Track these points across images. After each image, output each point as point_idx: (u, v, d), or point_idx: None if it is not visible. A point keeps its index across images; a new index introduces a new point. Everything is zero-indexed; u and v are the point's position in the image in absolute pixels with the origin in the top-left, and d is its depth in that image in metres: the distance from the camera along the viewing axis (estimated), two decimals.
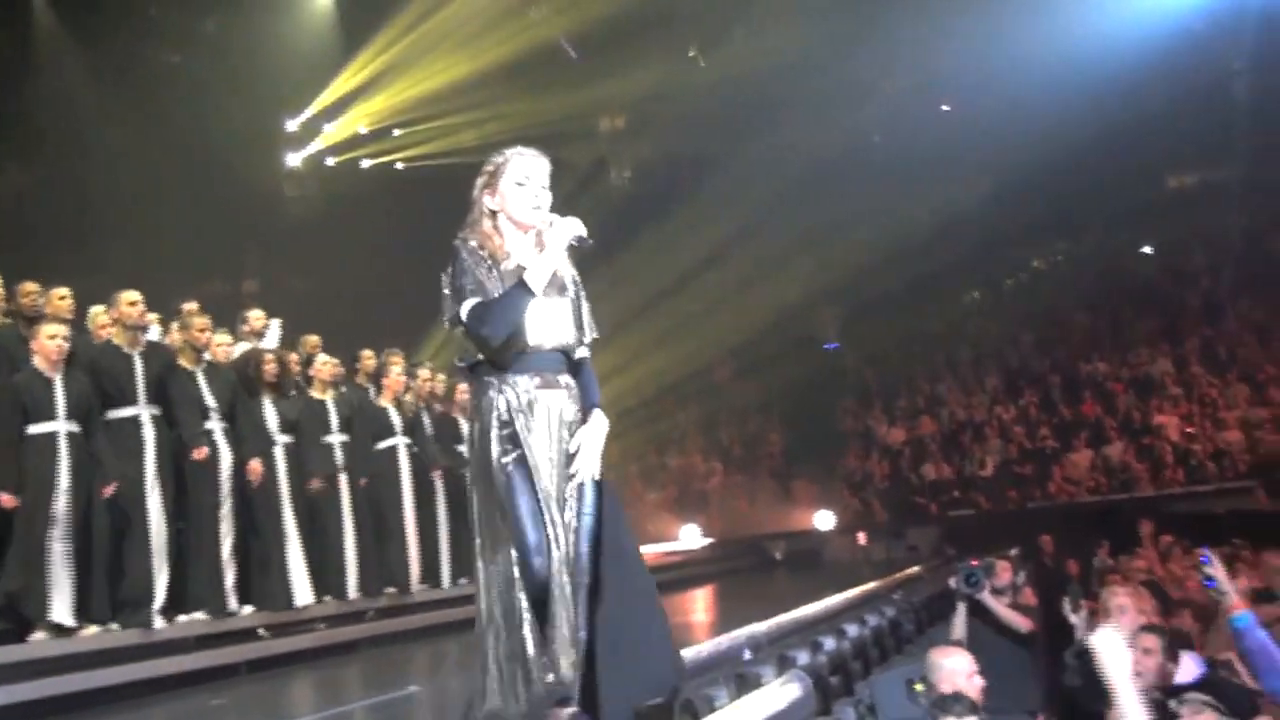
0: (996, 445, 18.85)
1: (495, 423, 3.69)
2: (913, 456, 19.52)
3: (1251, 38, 18.70)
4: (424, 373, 10.37)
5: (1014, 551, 8.85)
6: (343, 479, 8.87)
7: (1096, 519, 14.15)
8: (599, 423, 3.78)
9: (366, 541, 8.91)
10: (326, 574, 8.52)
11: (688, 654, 5.13)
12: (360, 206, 18.00)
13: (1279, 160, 19.32)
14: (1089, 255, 22.85)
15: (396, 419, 9.55)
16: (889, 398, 21.28)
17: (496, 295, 3.68)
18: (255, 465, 7.90)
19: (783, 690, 4.42)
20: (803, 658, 6.13)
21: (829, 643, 6.58)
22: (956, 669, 4.81)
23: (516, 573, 3.63)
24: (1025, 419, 19.28)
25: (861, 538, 16.49)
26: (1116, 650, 3.19)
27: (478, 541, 3.72)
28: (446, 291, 3.75)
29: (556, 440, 3.74)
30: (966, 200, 19.86)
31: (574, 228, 3.75)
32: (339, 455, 8.88)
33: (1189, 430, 17.29)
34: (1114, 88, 17.54)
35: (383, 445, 9.43)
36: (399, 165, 18.49)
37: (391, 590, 9.13)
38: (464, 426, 10.32)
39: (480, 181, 3.86)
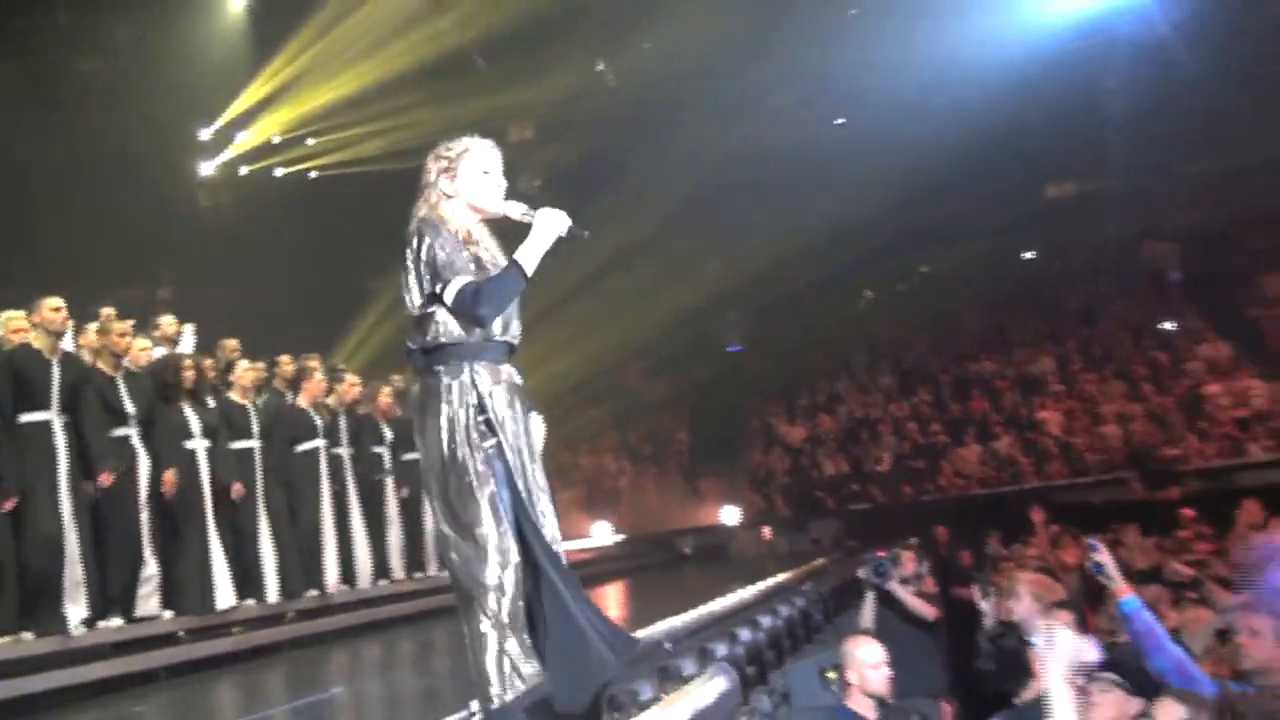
0: (891, 441, 19.08)
1: (472, 409, 3.55)
2: (813, 453, 19.67)
3: (1123, 59, 19.25)
4: (351, 377, 10.16)
5: (914, 541, 8.90)
6: (259, 483, 8.62)
7: (987, 510, 14.33)
8: (540, 425, 3.71)
9: (285, 544, 8.65)
10: (248, 577, 8.25)
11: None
12: (274, 214, 17.55)
13: (1149, 173, 19.95)
14: (976, 260, 23.15)
15: (318, 422, 9.32)
16: (790, 397, 21.42)
17: (473, 277, 3.54)
18: (170, 477, 7.62)
19: (711, 684, 4.34)
20: (721, 649, 6.06)
21: (745, 634, 6.53)
22: (865, 659, 4.86)
23: (501, 564, 3.47)
24: (918, 416, 19.55)
25: (767, 532, 16.52)
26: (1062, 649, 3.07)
27: (449, 531, 3.52)
28: (418, 269, 3.58)
29: (524, 432, 3.63)
30: (861, 208, 20.00)
31: (564, 220, 3.63)
32: (259, 460, 8.63)
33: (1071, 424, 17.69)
34: (997, 105, 17.84)
35: (304, 448, 9.19)
36: (312, 174, 17.99)
37: (313, 593, 8.87)
38: (385, 430, 10.15)
39: (437, 166, 3.75)
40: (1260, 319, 18.66)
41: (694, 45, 18.11)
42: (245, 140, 17.48)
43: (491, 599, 3.44)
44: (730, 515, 17.47)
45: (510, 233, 3.80)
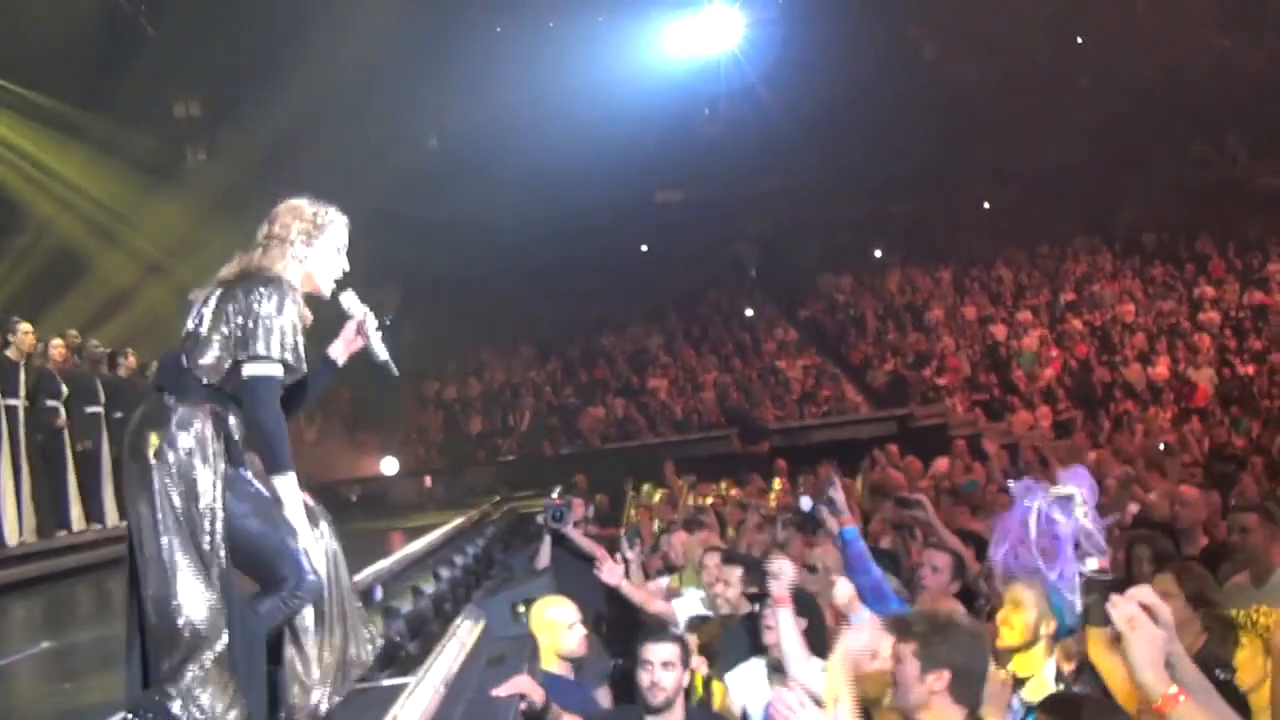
0: (530, 403, 19.13)
1: (220, 437, 2.91)
2: (463, 412, 19.38)
3: (723, 90, 20.55)
4: (24, 326, 8.65)
5: (580, 481, 8.94)
6: None
7: (615, 461, 14.67)
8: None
9: None
10: None
11: None
12: None
13: (740, 184, 21.36)
14: (598, 252, 23.59)
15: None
16: (441, 362, 20.94)
17: (298, 376, 3.00)
18: None
19: (467, 625, 4.08)
20: (429, 588, 5.80)
21: (444, 572, 6.28)
22: (560, 620, 4.57)
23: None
24: (553, 381, 19.75)
25: (428, 480, 16.06)
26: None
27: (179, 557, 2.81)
28: (251, 323, 2.90)
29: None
30: (503, 205, 19.85)
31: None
32: None
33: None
34: (619, 124, 18.42)
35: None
36: None
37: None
38: (61, 383, 8.87)
39: (298, 225, 3.08)
40: (818, 311, 20.48)
41: (362, 38, 17.00)
42: None
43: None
44: (389, 465, 16.86)
45: None
